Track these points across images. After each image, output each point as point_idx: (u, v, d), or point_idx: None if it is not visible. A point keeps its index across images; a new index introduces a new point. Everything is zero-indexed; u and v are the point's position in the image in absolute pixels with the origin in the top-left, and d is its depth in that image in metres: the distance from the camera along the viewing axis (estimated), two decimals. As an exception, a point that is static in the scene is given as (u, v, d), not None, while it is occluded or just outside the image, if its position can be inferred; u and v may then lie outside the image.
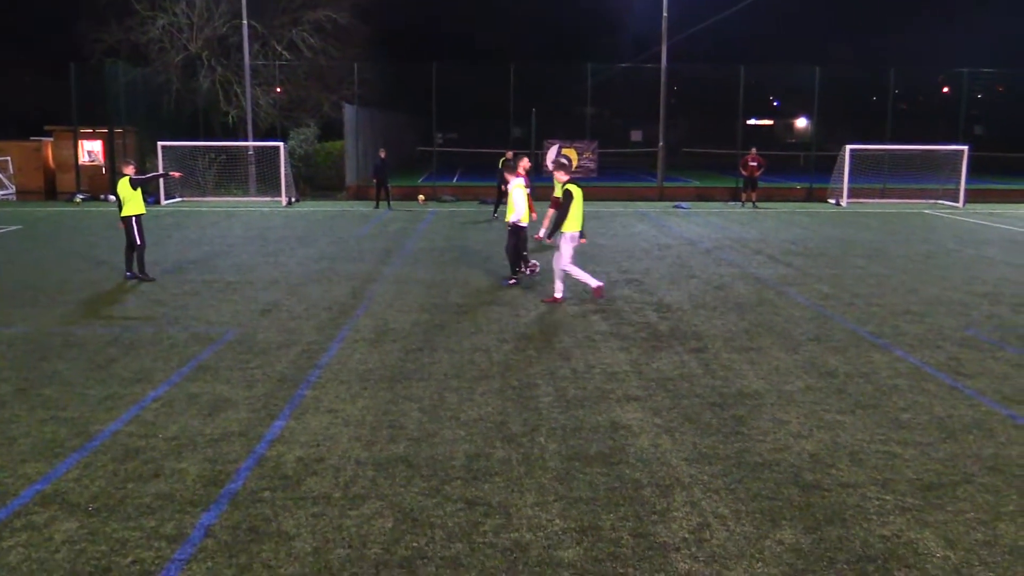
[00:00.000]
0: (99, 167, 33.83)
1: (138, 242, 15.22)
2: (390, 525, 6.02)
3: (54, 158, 34.60)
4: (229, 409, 8.41)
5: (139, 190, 15.27)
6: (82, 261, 17.58)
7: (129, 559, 5.54)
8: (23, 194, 34.12)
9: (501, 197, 25.82)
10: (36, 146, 34.93)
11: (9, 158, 34.70)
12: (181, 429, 7.86)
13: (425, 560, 5.54)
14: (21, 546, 5.70)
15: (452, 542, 5.78)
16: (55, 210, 29.32)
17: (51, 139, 34.80)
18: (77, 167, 33.69)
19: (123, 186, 15.25)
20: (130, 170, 15.45)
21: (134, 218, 15.16)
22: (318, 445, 7.48)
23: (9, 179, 34.67)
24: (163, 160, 31.63)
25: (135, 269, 15.31)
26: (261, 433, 7.77)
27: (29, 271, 16.27)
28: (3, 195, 33.89)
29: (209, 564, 5.48)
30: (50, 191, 34.42)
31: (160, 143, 31.80)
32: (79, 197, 32.50)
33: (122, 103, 34.18)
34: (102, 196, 32.74)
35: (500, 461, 7.15)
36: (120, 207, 15.28)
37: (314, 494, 6.50)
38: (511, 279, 14.99)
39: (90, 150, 33.95)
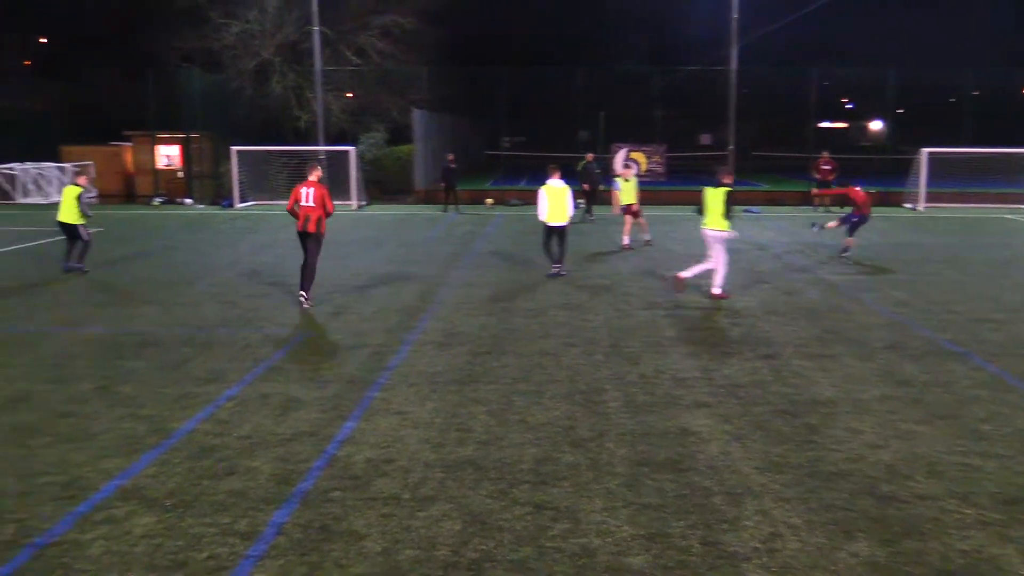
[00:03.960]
0: (175, 171, 34.70)
1: (85, 238, 16.75)
2: (458, 527, 6.05)
3: (133, 163, 35.59)
4: (300, 409, 8.55)
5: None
6: (158, 262, 18.04)
7: (205, 555, 5.67)
8: (104, 197, 35.13)
9: (587, 197, 26.32)
10: (116, 151, 35.99)
11: (91, 162, 35.77)
12: (254, 428, 8.01)
13: (493, 563, 5.56)
14: (102, 539, 5.87)
15: (520, 546, 5.79)
16: (134, 213, 30.14)
17: (130, 144, 35.80)
18: (155, 171, 34.61)
19: (70, 194, 16.88)
20: (83, 181, 17.58)
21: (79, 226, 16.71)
22: (387, 446, 7.56)
23: (92, 183, 35.69)
24: (237, 164, 32.31)
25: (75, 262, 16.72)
26: (331, 434, 7.88)
27: (108, 272, 16.74)
28: (88, 198, 34.87)
29: (282, 562, 5.58)
30: (129, 194, 35.43)
31: (233, 148, 32.48)
32: (157, 200, 33.40)
33: (197, 109, 34.98)
34: (178, 200, 33.58)
35: (568, 466, 7.14)
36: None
37: (383, 495, 6.57)
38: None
39: (167, 155, 34.84)
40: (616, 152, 35.05)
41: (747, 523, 6.12)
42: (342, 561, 5.59)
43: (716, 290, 14.11)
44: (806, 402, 8.82)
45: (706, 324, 12.28)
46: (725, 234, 13.95)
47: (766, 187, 38.53)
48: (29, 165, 34.31)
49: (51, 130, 38.65)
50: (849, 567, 5.52)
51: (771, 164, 46.44)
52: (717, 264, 14.05)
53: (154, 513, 6.27)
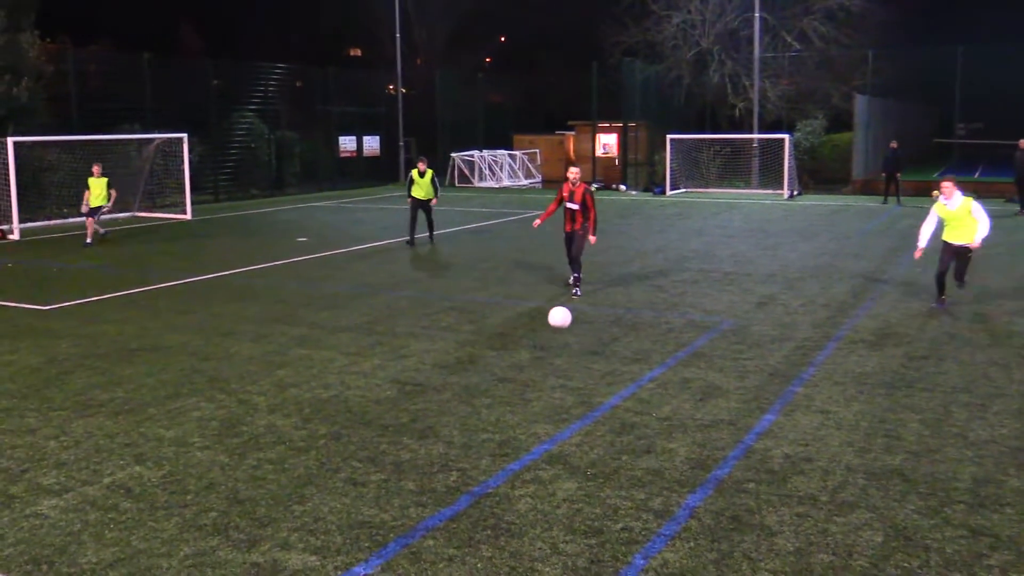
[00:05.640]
0: (612, 159, 36.37)
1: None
2: (880, 539, 5.69)
3: (574, 150, 37.94)
4: (720, 397, 8.57)
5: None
6: (593, 246, 18.99)
7: (619, 525, 5.91)
8: (547, 183, 37.89)
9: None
10: (560, 139, 38.64)
11: (537, 150, 38.76)
12: (673, 411, 8.17)
13: (918, 583, 5.17)
14: (529, 496, 6.36)
15: (950, 570, 5.31)
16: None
17: (573, 133, 38.17)
18: (593, 159, 36.58)
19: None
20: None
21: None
22: (807, 444, 7.32)
23: (537, 169, 38.74)
24: (671, 152, 33.05)
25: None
26: (750, 424, 7.80)
27: (548, 252, 17.98)
28: (531, 183, 37.94)
29: (692, 544, 5.64)
30: (569, 180, 37.79)
31: (669, 136, 33.25)
32: (595, 186, 35.23)
33: (636, 99, 36.32)
34: (614, 185, 35.12)
35: (1014, 491, 6.39)
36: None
37: (799, 493, 6.38)
38: None
39: (605, 143, 36.65)
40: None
41: None
42: (752, 554, 5.52)
43: None
44: None
45: None
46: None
47: None
48: (485, 152, 37.99)
49: (505, 120, 42.39)
50: None
51: None
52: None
53: (576, 480, 6.65)
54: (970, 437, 7.47)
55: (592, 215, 13.43)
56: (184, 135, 25.69)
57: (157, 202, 26.96)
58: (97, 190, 19.74)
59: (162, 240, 20.94)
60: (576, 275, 13.74)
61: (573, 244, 13.59)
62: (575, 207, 13.41)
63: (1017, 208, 24.61)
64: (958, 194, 12.36)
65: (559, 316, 9.51)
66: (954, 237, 12.35)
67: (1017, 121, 33.94)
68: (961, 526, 5.87)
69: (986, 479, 6.61)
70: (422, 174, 19.00)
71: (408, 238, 19.19)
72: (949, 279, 12.54)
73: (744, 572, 5.31)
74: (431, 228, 19.32)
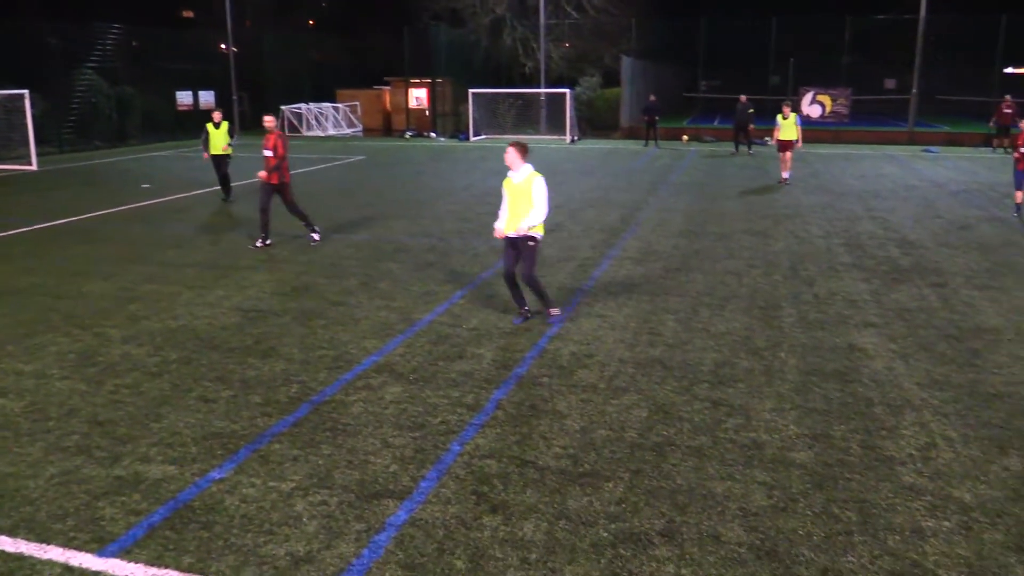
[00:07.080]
0: (423, 110, 35.84)
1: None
2: (645, 415, 6.07)
3: (390, 103, 37.07)
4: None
5: None
6: (409, 184, 18.81)
7: (438, 420, 6.00)
8: (367, 131, 36.94)
9: (740, 135, 26.45)
10: (378, 93, 37.61)
11: (358, 103, 37.61)
12: (481, 322, 8.30)
13: (673, 447, 5.56)
14: (361, 402, 6.33)
15: (697, 435, 5.74)
16: (390, 144, 31.46)
17: (389, 88, 37.24)
18: (407, 110, 35.93)
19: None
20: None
21: None
22: (588, 343, 7.64)
23: (358, 119, 37.66)
24: (473, 105, 32.91)
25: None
26: (543, 330, 8.04)
27: (371, 192, 17.66)
28: (353, 132, 36.87)
29: (499, 430, 5.82)
30: (387, 129, 37.03)
31: (471, 90, 33.06)
32: (408, 134, 34.70)
33: (443, 58, 35.77)
34: (425, 133, 34.71)
35: (744, 370, 6.96)
36: None
37: (583, 383, 6.68)
38: None
39: (417, 96, 36.04)
40: (803, 95, 32.87)
41: (905, 432, 5.77)
42: (547, 435, 5.76)
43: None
44: (971, 328, 8.11)
45: (879, 253, 11.47)
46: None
47: (947, 128, 34.97)
48: (312, 105, 36.50)
49: (329, 76, 40.78)
50: (1000, 479, 5.11)
51: (955, 107, 42.02)
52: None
53: (401, 384, 6.68)
54: (712, 330, 8.03)
55: (282, 160, 11.61)
56: (25, 91, 23.14)
57: (2, 155, 24.32)
58: None
59: (10, 191, 18.98)
60: (309, 226, 12.27)
61: (283, 198, 11.92)
62: (269, 153, 11.58)
63: (732, 149, 26.58)
64: (527, 166, 7.95)
65: None
66: (512, 225, 8.00)
67: (746, 80, 36.00)
68: (706, 400, 6.34)
69: (723, 362, 7.15)
70: (217, 125, 15.98)
71: (223, 196, 16.45)
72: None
73: (540, 449, 5.54)
74: (227, 183, 16.29)
